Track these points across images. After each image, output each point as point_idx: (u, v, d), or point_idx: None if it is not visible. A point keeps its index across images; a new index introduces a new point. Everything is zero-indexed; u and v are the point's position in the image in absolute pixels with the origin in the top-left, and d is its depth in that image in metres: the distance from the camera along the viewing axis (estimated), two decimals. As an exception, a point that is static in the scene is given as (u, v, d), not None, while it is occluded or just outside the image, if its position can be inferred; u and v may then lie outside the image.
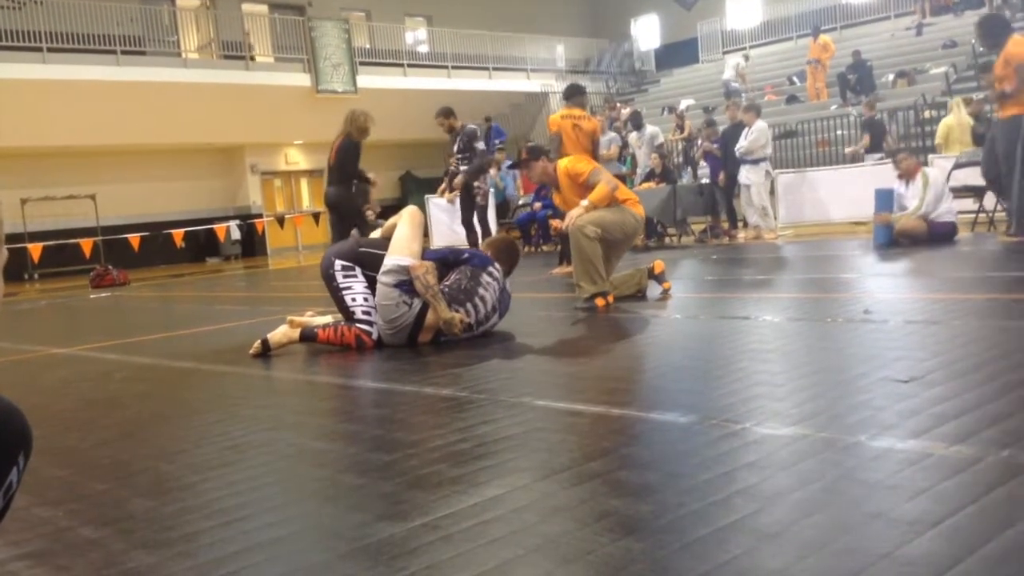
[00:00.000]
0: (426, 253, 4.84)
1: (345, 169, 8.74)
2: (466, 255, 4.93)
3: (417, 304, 4.64)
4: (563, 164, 6.15)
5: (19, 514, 2.32)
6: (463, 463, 2.49)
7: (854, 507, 1.90)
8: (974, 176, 9.84)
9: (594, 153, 8.71)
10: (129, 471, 2.77)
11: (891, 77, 17.64)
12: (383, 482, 2.38)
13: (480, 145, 10.06)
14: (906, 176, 8.90)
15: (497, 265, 4.92)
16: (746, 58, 22.71)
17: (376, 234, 5.27)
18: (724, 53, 24.54)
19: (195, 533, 2.11)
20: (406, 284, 4.63)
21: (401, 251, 4.72)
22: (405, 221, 4.89)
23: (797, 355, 3.75)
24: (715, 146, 12.35)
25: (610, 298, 5.74)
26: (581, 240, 5.67)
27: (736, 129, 11.94)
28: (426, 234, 8.72)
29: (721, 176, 11.94)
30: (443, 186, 10.82)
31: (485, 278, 4.79)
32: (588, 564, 1.72)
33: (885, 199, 8.71)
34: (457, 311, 4.65)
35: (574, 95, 9.01)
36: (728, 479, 2.15)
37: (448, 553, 1.84)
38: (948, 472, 2.06)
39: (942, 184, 8.88)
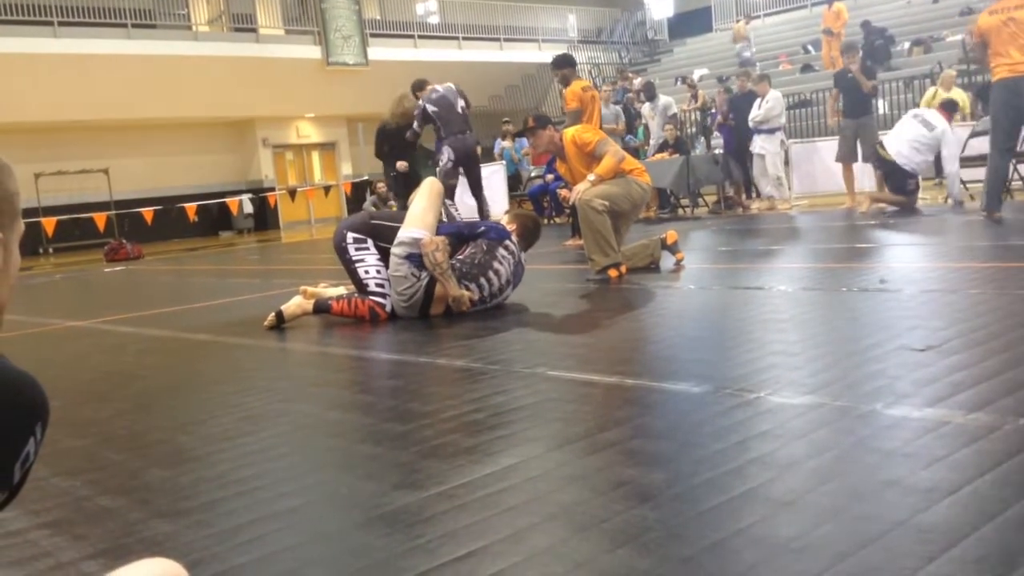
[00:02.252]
0: (441, 227, 4.82)
1: (378, 151, 9.01)
2: (482, 228, 4.91)
3: (426, 276, 4.64)
4: (570, 133, 6.11)
5: (38, 484, 2.34)
6: (478, 433, 2.49)
7: (869, 475, 1.90)
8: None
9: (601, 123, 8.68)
10: (146, 442, 2.79)
11: (907, 45, 17.44)
12: (398, 452, 2.39)
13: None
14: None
15: (514, 238, 4.91)
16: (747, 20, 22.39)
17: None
18: (739, 21, 24.22)
19: (211, 503, 2.13)
20: (416, 256, 4.63)
21: (415, 223, 4.71)
22: (423, 193, 4.89)
23: (812, 325, 3.74)
24: (729, 116, 12.25)
25: (623, 269, 5.73)
26: (589, 214, 5.65)
27: (745, 99, 11.83)
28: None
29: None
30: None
31: (501, 252, 4.78)
32: (603, 532, 1.72)
33: None
34: (468, 287, 4.65)
35: (576, 64, 8.78)
36: (742, 448, 2.15)
37: (464, 521, 1.85)
38: (965, 440, 2.06)
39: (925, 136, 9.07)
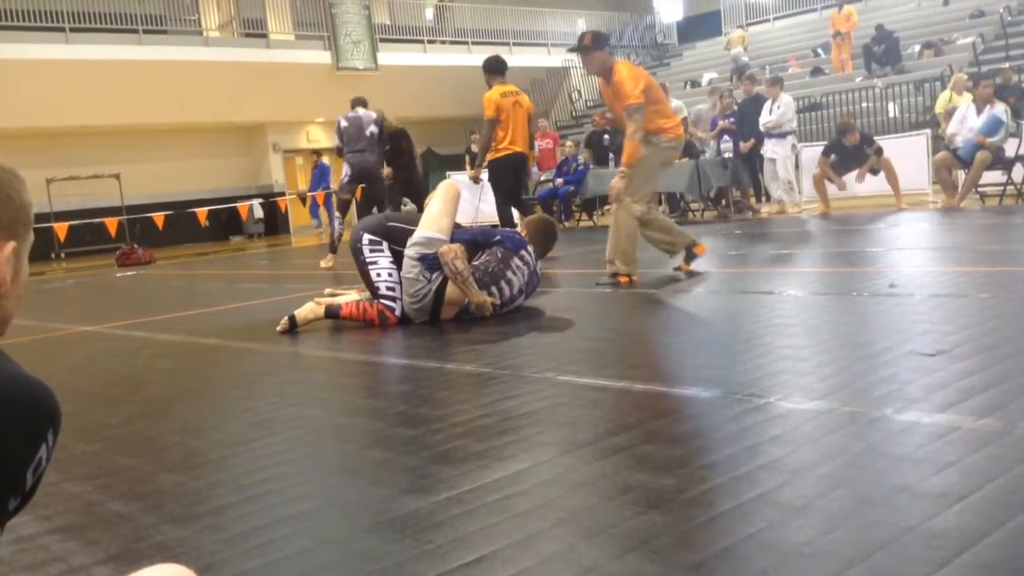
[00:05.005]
0: (456, 235, 4.80)
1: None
2: (498, 237, 4.88)
3: (437, 279, 4.65)
4: (622, 71, 5.83)
5: (49, 489, 2.35)
6: (487, 438, 2.49)
7: (880, 481, 1.89)
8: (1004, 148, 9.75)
9: (530, 133, 8.45)
10: (157, 446, 2.80)
11: (917, 48, 17.38)
12: (408, 457, 2.40)
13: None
14: (981, 102, 9.61)
15: (530, 248, 4.89)
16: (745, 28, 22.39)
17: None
18: (748, 25, 24.19)
19: (223, 507, 2.14)
20: (429, 259, 4.64)
21: (430, 225, 4.72)
22: (439, 195, 4.88)
23: (822, 329, 3.73)
24: (730, 121, 12.23)
25: (634, 278, 5.69)
26: (624, 217, 5.61)
27: (752, 103, 11.81)
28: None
29: (744, 145, 11.81)
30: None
31: (516, 262, 4.76)
32: (612, 537, 1.72)
33: (994, 125, 9.43)
34: (490, 293, 4.66)
35: (505, 69, 8.42)
36: (753, 453, 2.14)
37: (473, 526, 1.85)
38: (975, 445, 2.05)
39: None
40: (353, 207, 10.35)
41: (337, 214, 10.19)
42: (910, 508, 1.73)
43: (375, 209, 9.69)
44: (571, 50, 6.83)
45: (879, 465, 1.99)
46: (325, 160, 18.03)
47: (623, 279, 5.64)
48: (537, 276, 4.97)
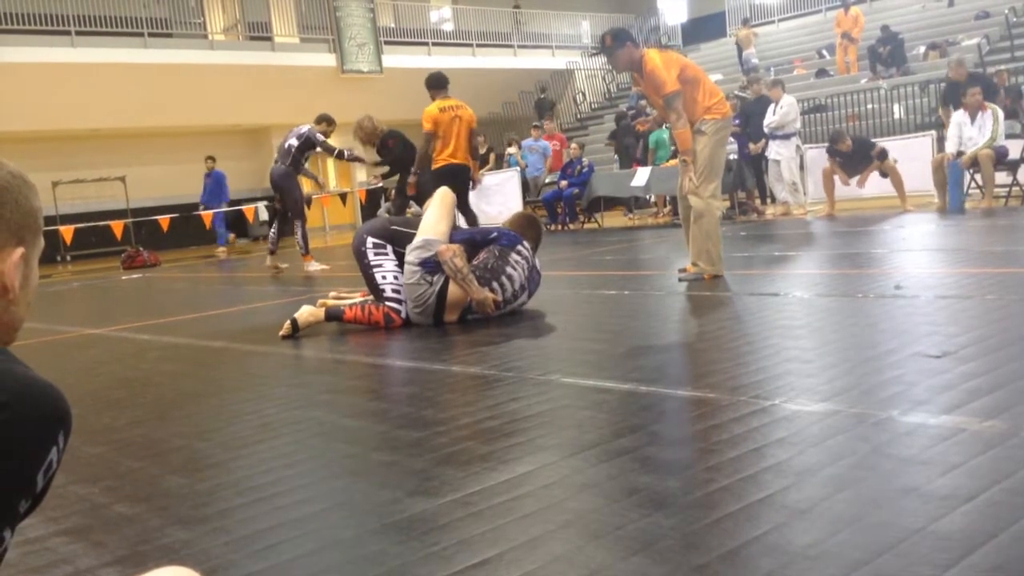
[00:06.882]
0: (454, 235, 4.85)
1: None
2: (495, 234, 4.93)
3: (438, 281, 4.66)
4: (653, 59, 5.67)
5: (56, 491, 2.36)
6: (492, 440, 2.50)
7: (886, 482, 1.89)
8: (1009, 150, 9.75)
9: (471, 144, 8.63)
10: (163, 449, 2.81)
11: (922, 49, 17.35)
12: (413, 459, 2.40)
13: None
14: (972, 109, 9.62)
15: (527, 243, 4.92)
16: (746, 22, 22.34)
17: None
18: (753, 26, 24.16)
19: (228, 510, 2.14)
20: (429, 262, 4.65)
21: (428, 231, 4.75)
22: (436, 202, 4.93)
23: (827, 331, 3.73)
24: (735, 123, 12.23)
25: (718, 276, 5.62)
26: (707, 217, 5.55)
27: (758, 104, 11.82)
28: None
29: (754, 147, 11.80)
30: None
31: (514, 257, 4.79)
32: (617, 539, 1.72)
33: (957, 173, 9.68)
34: (491, 288, 4.68)
35: (445, 84, 8.69)
36: (758, 455, 2.14)
37: (479, 529, 1.85)
38: (981, 447, 2.05)
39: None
40: (358, 210, 10.63)
41: (273, 226, 10.79)
42: (916, 510, 1.73)
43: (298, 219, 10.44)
44: (596, 53, 6.82)
45: (885, 467, 1.99)
46: (220, 168, 16.69)
47: (707, 277, 5.58)
48: (538, 272, 4.99)
